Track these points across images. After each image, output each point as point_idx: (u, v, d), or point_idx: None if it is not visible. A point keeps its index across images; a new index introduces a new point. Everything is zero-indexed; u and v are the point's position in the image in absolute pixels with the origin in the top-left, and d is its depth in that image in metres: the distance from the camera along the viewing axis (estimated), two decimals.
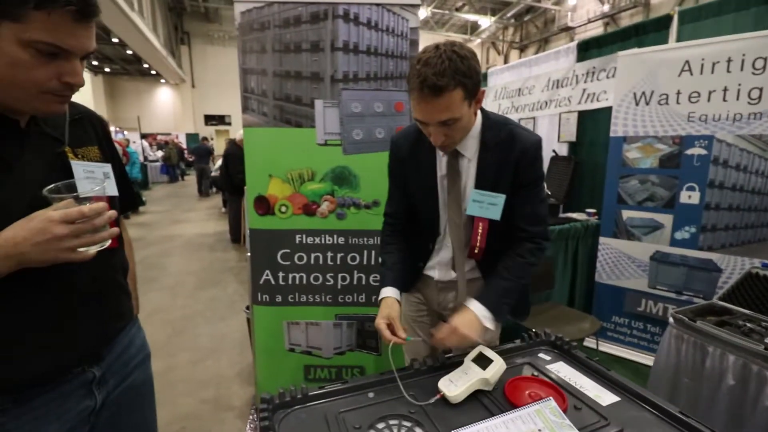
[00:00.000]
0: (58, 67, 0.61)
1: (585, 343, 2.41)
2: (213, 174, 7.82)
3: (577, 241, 2.62)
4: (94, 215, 0.63)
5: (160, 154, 13.17)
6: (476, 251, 1.10)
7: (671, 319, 1.48)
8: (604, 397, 0.91)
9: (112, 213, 0.66)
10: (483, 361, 0.95)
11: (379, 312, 1.05)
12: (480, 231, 1.09)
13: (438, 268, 1.21)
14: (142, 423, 0.95)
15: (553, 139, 3.55)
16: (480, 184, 1.07)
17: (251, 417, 1.96)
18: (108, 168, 0.73)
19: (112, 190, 0.72)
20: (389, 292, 1.10)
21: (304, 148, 1.61)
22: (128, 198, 0.91)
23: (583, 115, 3.20)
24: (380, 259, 1.18)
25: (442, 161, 1.10)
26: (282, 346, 1.75)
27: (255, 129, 1.61)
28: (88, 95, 12.92)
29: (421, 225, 1.19)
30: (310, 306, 1.72)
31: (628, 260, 2.40)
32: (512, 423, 0.81)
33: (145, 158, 11.97)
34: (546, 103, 3.22)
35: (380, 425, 0.82)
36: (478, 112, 1.06)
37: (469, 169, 1.08)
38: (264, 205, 1.65)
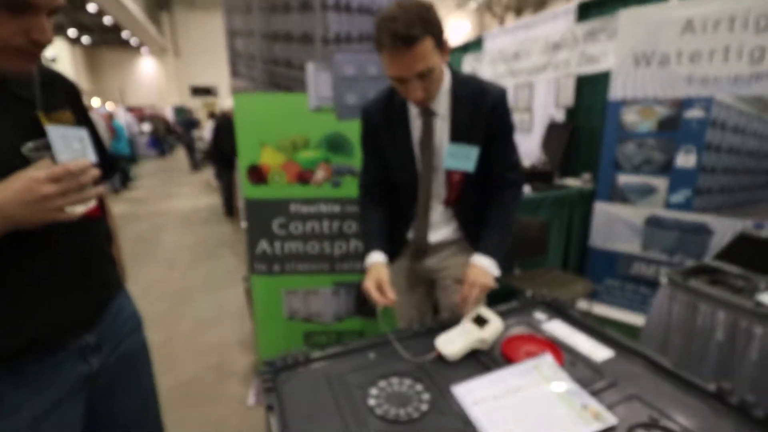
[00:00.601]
0: (25, 23, 0.58)
1: (578, 305, 2.47)
2: (198, 144, 7.63)
3: (572, 207, 2.63)
4: (80, 172, 0.62)
5: (147, 127, 12.86)
6: (450, 200, 1.15)
7: (665, 280, 1.52)
8: (599, 352, 0.94)
9: (96, 171, 0.65)
10: (480, 321, 0.97)
11: (367, 276, 1.06)
12: (454, 183, 1.13)
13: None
14: (140, 389, 0.97)
15: (550, 105, 3.50)
16: (454, 138, 1.09)
17: (254, 382, 2.01)
18: (84, 133, 0.71)
19: (90, 155, 0.70)
20: (376, 258, 1.10)
21: (296, 114, 1.57)
22: (106, 166, 0.89)
23: (581, 80, 3.14)
24: (361, 229, 1.17)
25: (415, 124, 1.10)
26: (281, 314, 1.77)
27: (244, 95, 1.56)
28: (68, 68, 12.43)
29: (401, 192, 1.19)
30: (307, 274, 1.73)
31: (622, 224, 2.43)
32: (510, 377, 0.84)
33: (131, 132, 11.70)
34: (543, 66, 3.15)
35: (381, 383, 0.85)
36: (446, 69, 1.07)
37: (442, 126, 1.09)
38: (257, 175, 1.62)
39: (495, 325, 0.96)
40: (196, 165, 9.56)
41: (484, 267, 1.08)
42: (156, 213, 5.74)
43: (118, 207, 6.10)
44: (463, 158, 1.09)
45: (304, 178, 1.63)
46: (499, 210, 1.14)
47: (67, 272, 0.74)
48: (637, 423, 0.72)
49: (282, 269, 1.72)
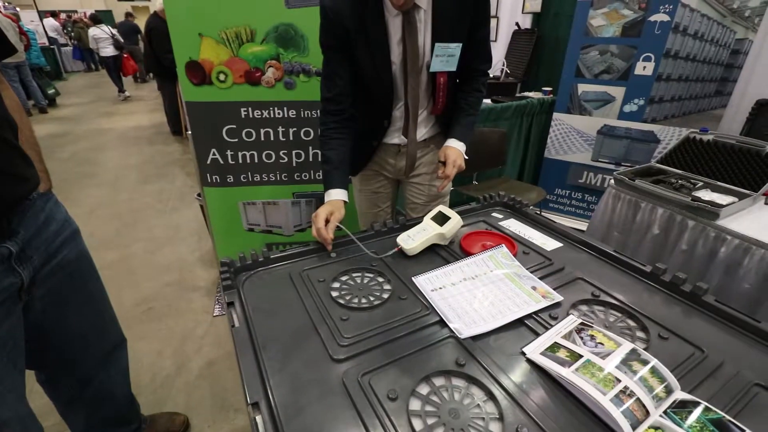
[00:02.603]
0: None
1: None
2: (104, 53, 6.59)
3: (531, 118, 2.64)
4: None
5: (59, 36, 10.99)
6: (439, 106, 1.09)
7: (612, 181, 1.59)
8: (549, 244, 1.00)
9: None
10: (441, 219, 0.97)
11: (322, 207, 0.98)
12: (440, 87, 1.06)
13: (396, 134, 1.16)
14: (90, 298, 0.94)
15: (517, 10, 3.30)
16: (439, 36, 0.99)
17: (218, 294, 2.02)
18: None
19: None
20: (337, 195, 1.02)
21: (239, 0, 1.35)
22: None
23: None
24: (322, 155, 1.07)
25: (394, 23, 0.97)
26: (240, 227, 1.73)
27: None
28: None
29: (374, 102, 1.09)
30: (265, 185, 1.65)
31: (577, 135, 2.47)
32: (467, 267, 0.87)
33: (54, 41, 10.03)
34: None
35: (344, 277, 0.85)
36: None
37: (426, 22, 0.98)
38: (198, 73, 1.43)
39: (454, 221, 0.96)
40: (140, 78, 8.48)
41: (460, 150, 1.09)
42: (94, 132, 5.19)
43: (48, 127, 5.44)
44: (447, 58, 1.02)
45: (252, 78, 1.46)
46: (474, 97, 1.13)
47: None
48: (580, 299, 0.77)
49: (237, 180, 1.63)
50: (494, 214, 1.16)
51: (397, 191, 1.34)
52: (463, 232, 1.01)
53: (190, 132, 1.56)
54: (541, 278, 0.82)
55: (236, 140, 1.55)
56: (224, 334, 1.77)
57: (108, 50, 6.51)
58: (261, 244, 1.78)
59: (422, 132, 1.17)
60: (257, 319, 0.71)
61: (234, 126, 1.52)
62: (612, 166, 2.43)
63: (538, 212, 1.13)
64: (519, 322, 0.71)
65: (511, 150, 2.62)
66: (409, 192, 1.28)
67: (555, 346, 0.63)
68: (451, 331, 0.68)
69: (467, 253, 0.93)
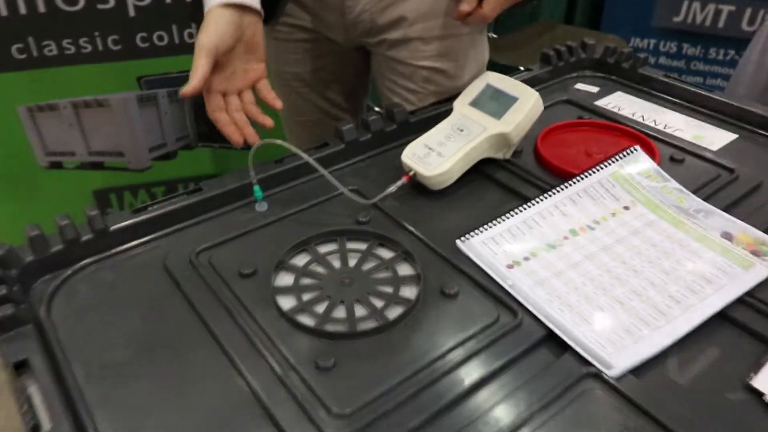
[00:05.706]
0: None
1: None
2: None
3: None
4: None
5: None
6: None
7: None
8: (711, 137, 0.95)
9: None
10: (493, 103, 0.89)
11: (200, 34, 0.89)
12: None
13: None
14: None
15: None
16: None
17: None
18: None
19: None
20: None
21: None
22: None
23: None
24: None
25: None
26: (30, 161, 1.66)
27: None
28: None
29: None
30: (75, 66, 1.56)
31: None
32: (572, 205, 0.80)
33: None
34: None
35: (299, 259, 0.74)
36: None
37: None
38: None
39: (528, 103, 0.86)
40: None
41: None
42: None
43: None
44: None
45: None
46: None
47: None
48: None
49: (7, 59, 1.53)
50: (580, 87, 1.13)
51: (368, 75, 1.29)
52: (536, 129, 0.94)
53: None
54: (724, 210, 0.76)
55: None
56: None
57: None
58: (82, 193, 1.71)
59: None
60: (106, 394, 0.57)
61: None
62: None
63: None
64: (720, 320, 0.62)
65: None
66: (387, 79, 1.20)
67: None
68: (583, 361, 0.57)
69: (560, 174, 0.85)
